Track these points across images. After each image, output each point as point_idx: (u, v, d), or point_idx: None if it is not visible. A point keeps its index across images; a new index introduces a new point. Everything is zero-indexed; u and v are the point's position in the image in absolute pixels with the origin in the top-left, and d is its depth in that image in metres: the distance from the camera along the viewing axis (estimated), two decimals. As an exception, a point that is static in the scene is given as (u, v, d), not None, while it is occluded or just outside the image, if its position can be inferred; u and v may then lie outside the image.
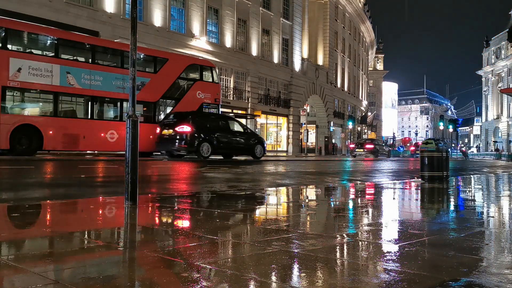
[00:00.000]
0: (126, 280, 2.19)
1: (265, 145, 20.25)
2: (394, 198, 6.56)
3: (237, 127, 19.18)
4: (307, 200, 6.19)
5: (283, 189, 7.42)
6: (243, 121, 32.79)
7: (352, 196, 6.76)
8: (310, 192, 7.27)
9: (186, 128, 16.71)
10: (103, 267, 2.46)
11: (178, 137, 16.70)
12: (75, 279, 2.17)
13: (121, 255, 2.81)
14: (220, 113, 20.98)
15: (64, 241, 3.14)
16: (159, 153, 18.62)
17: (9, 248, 2.93)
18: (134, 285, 2.13)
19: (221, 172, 11.75)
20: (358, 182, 9.80)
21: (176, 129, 16.73)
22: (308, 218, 4.44)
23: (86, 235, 3.40)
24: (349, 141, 47.55)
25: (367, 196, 6.80)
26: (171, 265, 2.47)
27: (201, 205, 5.29)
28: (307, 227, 3.89)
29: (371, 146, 36.94)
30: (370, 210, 5.03)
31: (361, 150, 36.60)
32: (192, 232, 3.61)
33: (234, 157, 19.25)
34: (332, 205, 5.65)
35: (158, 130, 17.50)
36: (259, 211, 4.94)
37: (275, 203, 5.83)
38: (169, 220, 4.25)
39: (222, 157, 18.45)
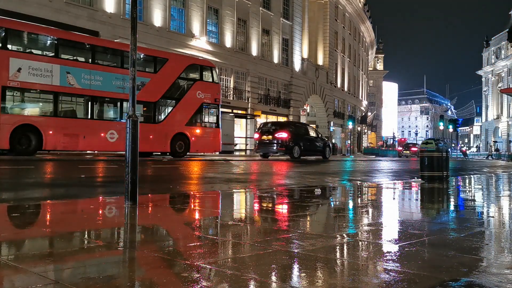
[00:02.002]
0: (125, 280, 2.19)
1: (331, 147, 24.88)
2: (394, 198, 6.56)
3: (313, 133, 23.33)
4: (306, 200, 6.18)
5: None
6: (243, 121, 32.96)
7: (352, 196, 6.75)
8: (309, 192, 7.26)
9: (283, 135, 20.93)
10: (102, 267, 2.46)
11: (276, 141, 20.97)
12: (75, 279, 2.17)
13: (121, 255, 2.80)
14: (219, 113, 21.09)
15: (64, 241, 3.14)
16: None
17: (9, 248, 2.93)
18: (134, 285, 2.13)
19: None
20: (358, 182, 9.80)
21: (276, 135, 21.01)
22: (309, 218, 4.43)
23: (86, 235, 3.40)
24: (398, 144, 60.37)
25: (367, 196, 6.80)
26: (171, 265, 2.47)
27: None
28: (307, 227, 3.89)
29: (416, 148, 45.89)
30: (370, 210, 5.03)
31: (408, 151, 46.70)
32: (192, 232, 3.61)
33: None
34: (332, 205, 5.65)
35: (257, 136, 22.13)
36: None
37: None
38: (169, 220, 4.25)
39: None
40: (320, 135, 24.46)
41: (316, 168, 15.15)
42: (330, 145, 24.64)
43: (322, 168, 15.28)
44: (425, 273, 2.30)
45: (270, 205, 5.50)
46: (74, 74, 16.05)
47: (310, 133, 23.00)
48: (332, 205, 5.64)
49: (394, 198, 6.58)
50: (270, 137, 21.15)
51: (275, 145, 20.99)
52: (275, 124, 22.99)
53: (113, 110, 18.05)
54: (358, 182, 9.82)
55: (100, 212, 4.66)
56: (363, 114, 62.56)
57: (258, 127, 25.14)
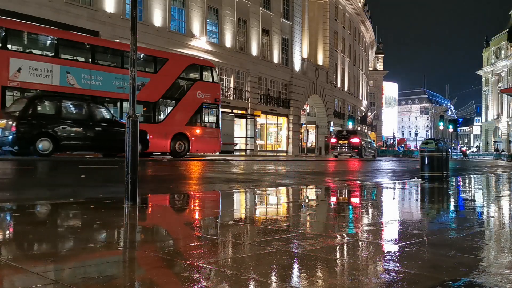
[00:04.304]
0: (125, 280, 2.19)
1: (377, 149, 34.84)
2: (394, 198, 6.56)
3: (369, 139, 31.15)
4: (306, 200, 6.19)
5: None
6: (243, 121, 32.97)
7: (352, 196, 6.75)
8: (309, 192, 7.26)
9: (356, 140, 27.89)
10: (103, 267, 2.46)
11: (350, 145, 27.85)
12: (75, 279, 2.17)
13: (121, 255, 2.80)
14: (220, 113, 21.17)
15: (64, 240, 3.14)
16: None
17: (9, 248, 2.93)
18: (134, 285, 2.13)
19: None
20: (358, 182, 9.80)
21: (351, 140, 27.91)
22: (309, 218, 4.44)
23: (86, 235, 3.40)
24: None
25: (367, 196, 6.80)
26: (171, 265, 2.47)
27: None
28: (307, 227, 3.89)
29: None
30: (370, 210, 5.03)
31: None
32: (192, 232, 3.61)
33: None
34: (332, 205, 5.65)
35: (334, 140, 29.07)
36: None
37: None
38: (169, 220, 4.25)
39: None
40: (371, 139, 31.60)
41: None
42: (376, 147, 33.71)
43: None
44: (425, 273, 2.29)
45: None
46: (74, 74, 16.05)
47: (368, 138, 30.66)
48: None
49: (394, 198, 6.58)
50: (346, 141, 28.03)
51: (348, 147, 27.83)
52: (348, 132, 30.38)
53: (113, 110, 18.04)
54: (359, 181, 9.82)
55: (100, 212, 4.65)
56: (363, 114, 62.56)
57: (333, 133, 34.10)
